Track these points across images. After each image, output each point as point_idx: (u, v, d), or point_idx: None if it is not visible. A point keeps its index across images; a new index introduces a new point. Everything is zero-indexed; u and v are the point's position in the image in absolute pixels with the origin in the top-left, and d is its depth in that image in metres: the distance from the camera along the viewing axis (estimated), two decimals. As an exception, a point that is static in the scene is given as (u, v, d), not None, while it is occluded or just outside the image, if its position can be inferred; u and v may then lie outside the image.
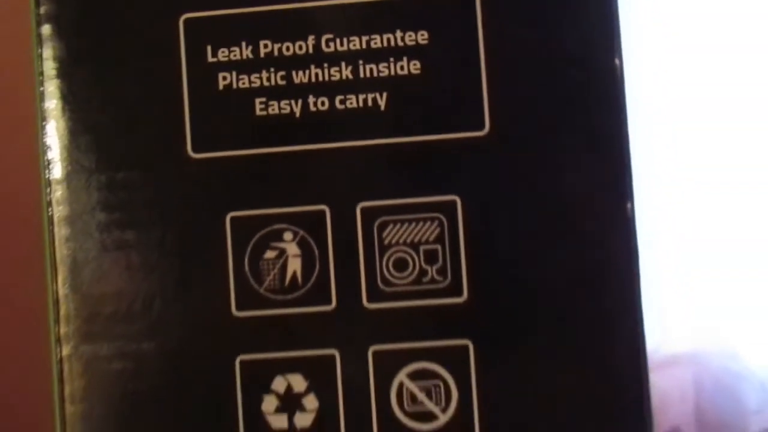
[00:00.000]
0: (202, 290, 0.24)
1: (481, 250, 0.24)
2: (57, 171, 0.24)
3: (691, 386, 1.01)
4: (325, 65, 0.24)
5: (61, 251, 0.24)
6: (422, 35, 0.24)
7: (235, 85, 0.24)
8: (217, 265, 0.24)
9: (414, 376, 0.24)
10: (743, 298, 1.09)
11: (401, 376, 0.24)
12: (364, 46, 0.24)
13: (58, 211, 0.24)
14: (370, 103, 0.24)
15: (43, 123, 0.25)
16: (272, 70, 0.24)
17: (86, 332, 0.24)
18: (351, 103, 0.24)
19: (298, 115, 0.24)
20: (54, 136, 0.25)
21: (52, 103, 0.25)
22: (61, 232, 0.24)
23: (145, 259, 0.24)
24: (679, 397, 0.97)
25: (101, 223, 0.24)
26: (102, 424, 0.24)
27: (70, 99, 0.25)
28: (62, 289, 0.24)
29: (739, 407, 1.04)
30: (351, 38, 0.24)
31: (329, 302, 0.24)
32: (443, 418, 0.23)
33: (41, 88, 0.25)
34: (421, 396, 0.23)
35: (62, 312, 0.24)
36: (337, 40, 0.24)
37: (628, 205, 0.24)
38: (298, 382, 0.24)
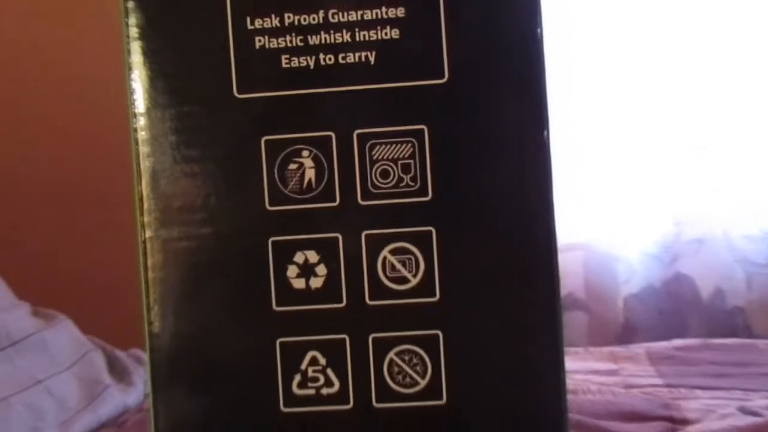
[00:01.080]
0: (244, 191, 0.31)
1: (441, 164, 0.31)
2: (140, 106, 0.31)
3: (582, 265, 1.17)
4: (331, 31, 0.31)
5: (144, 163, 0.31)
6: (400, 10, 0.31)
7: (267, 45, 0.31)
8: (255, 174, 0.31)
9: (394, 251, 0.31)
10: (622, 203, 1.22)
11: (385, 252, 0.31)
12: (359, 17, 0.31)
13: (141, 135, 0.31)
14: (363, 59, 0.31)
15: (129, 72, 0.32)
16: (293, 34, 0.31)
17: (162, 221, 0.31)
18: (349, 59, 0.31)
19: (312, 67, 0.31)
20: (137, 81, 0.31)
21: (136, 57, 0.31)
22: (143, 149, 0.31)
23: (203, 168, 0.31)
24: (573, 272, 1.16)
25: (172, 143, 0.31)
26: (174, 286, 0.31)
27: (148, 54, 0.31)
28: (145, 191, 0.31)
29: (614, 280, 1.19)
30: (349, 12, 0.31)
31: (334, 200, 0.31)
32: (413, 282, 0.31)
33: (127, 47, 0.32)
34: (398, 266, 0.31)
35: (145, 207, 0.31)
36: (340, 13, 0.31)
37: (545, 132, 0.31)
38: (312, 256, 0.31)
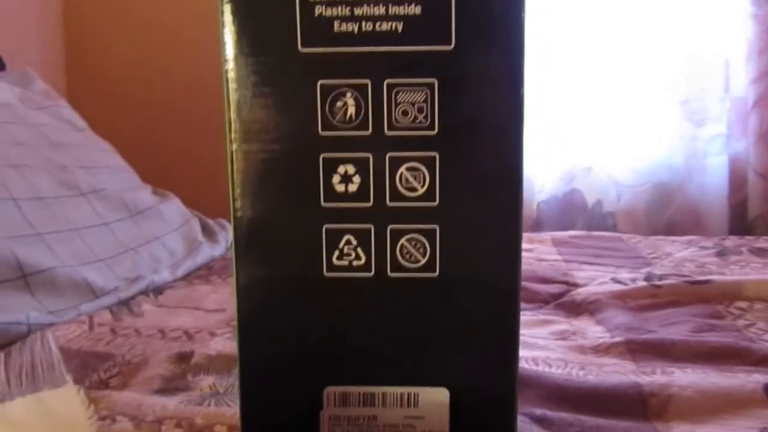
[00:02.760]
0: (303, 120, 0.28)
1: (446, 108, 0.28)
2: (230, 54, 0.28)
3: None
4: (372, 5, 0.28)
5: (232, 96, 0.28)
6: (423, -8, 0.28)
7: (323, 14, 0.28)
8: (311, 107, 0.28)
9: (408, 169, 0.29)
10: (537, 141, 1.18)
11: (402, 169, 0.29)
12: (392, -4, 0.28)
13: (230, 75, 0.28)
14: (393, 27, 0.28)
15: (223, 29, 0.28)
16: (343, 6, 0.28)
17: (244, 138, 0.29)
18: (383, 27, 0.28)
19: (356, 32, 0.28)
20: (228, 35, 0.28)
21: (227, 17, 0.28)
22: (231, 86, 0.28)
23: (274, 102, 0.28)
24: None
25: (252, 82, 0.28)
26: (252, 185, 0.29)
27: (237, 15, 0.28)
28: (233, 115, 0.29)
29: (532, 191, 1.18)
30: (385, -9, 0.28)
31: (368, 129, 0.28)
32: (421, 191, 0.29)
33: (222, 8, 0.28)
34: (411, 179, 0.29)
35: (232, 127, 0.29)
36: (378, -8, 0.28)
37: (520, 84, 0.28)
38: (350, 169, 0.29)
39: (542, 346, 0.49)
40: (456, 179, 0.29)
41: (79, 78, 1.28)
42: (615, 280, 0.71)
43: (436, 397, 0.30)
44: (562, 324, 0.57)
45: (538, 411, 0.37)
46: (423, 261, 0.29)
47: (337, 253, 0.29)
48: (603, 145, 1.22)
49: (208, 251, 0.83)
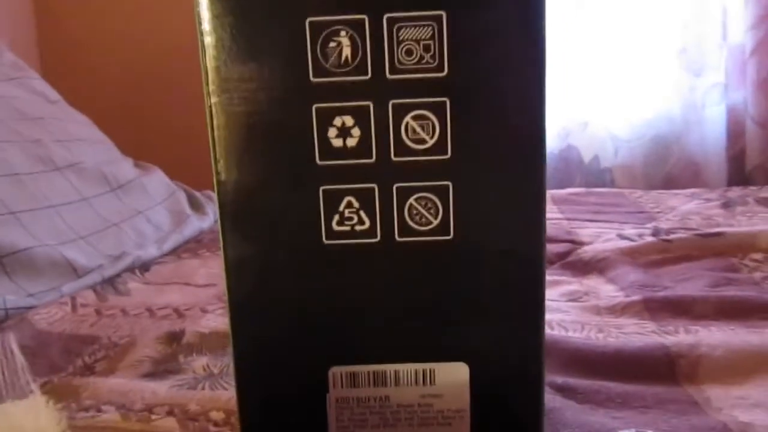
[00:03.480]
0: (293, 65, 0.24)
1: (455, 45, 0.24)
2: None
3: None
4: None
5: (207, 39, 0.24)
6: None
7: None
8: (300, 49, 0.24)
9: (415, 117, 0.25)
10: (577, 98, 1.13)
11: (407, 118, 0.25)
12: None
13: (203, 15, 0.24)
14: None
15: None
16: None
17: (223, 88, 0.25)
18: None
19: None
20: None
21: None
22: (205, 27, 0.24)
23: (256, 44, 0.24)
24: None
25: (229, 23, 0.24)
26: (235, 143, 0.25)
27: None
28: (209, 63, 0.24)
29: (573, 166, 1.13)
30: None
31: (366, 74, 0.24)
32: (430, 143, 0.25)
33: None
34: (418, 129, 0.25)
35: (209, 78, 0.25)
36: None
37: (541, 23, 0.24)
38: (348, 120, 0.25)
39: (555, 308, 0.46)
40: (470, 129, 0.25)
41: (51, 49, 1.21)
42: (621, 237, 0.68)
43: (455, 373, 0.26)
44: (572, 284, 0.54)
45: (560, 379, 0.34)
46: (435, 223, 0.25)
47: (337, 217, 0.25)
48: (599, 100, 1.18)
49: (197, 224, 0.79)
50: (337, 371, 0.27)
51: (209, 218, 0.82)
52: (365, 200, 0.25)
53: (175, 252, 0.70)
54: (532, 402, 0.27)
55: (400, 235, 0.26)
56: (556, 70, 1.17)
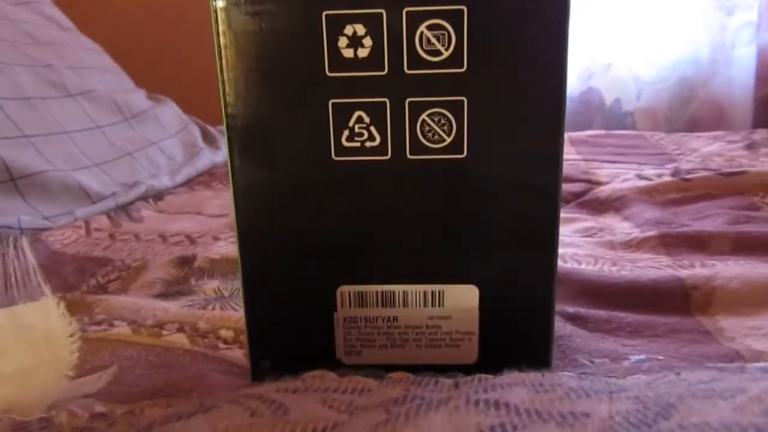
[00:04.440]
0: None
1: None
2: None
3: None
4: None
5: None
6: None
7: None
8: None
9: (430, 27, 0.23)
10: (601, 38, 1.08)
11: (422, 27, 0.23)
12: None
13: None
14: None
15: None
16: None
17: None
18: None
19: None
20: None
21: None
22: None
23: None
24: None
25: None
26: (240, 52, 0.24)
27: None
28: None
29: (593, 109, 1.09)
30: None
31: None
32: (445, 54, 0.23)
33: None
34: (433, 40, 0.23)
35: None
36: None
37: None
38: (360, 29, 0.23)
39: (568, 243, 0.45)
40: (487, 42, 0.23)
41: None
42: (640, 176, 0.66)
43: (464, 296, 0.26)
44: (588, 221, 0.53)
45: (571, 309, 0.33)
46: (448, 140, 0.24)
47: (347, 132, 0.24)
48: (623, 40, 1.14)
49: (209, 157, 0.78)
50: (345, 290, 0.26)
51: (222, 152, 0.82)
52: (376, 115, 0.24)
53: (188, 183, 0.70)
54: (542, 327, 0.26)
55: (411, 153, 0.25)
56: (578, 9, 1.12)
